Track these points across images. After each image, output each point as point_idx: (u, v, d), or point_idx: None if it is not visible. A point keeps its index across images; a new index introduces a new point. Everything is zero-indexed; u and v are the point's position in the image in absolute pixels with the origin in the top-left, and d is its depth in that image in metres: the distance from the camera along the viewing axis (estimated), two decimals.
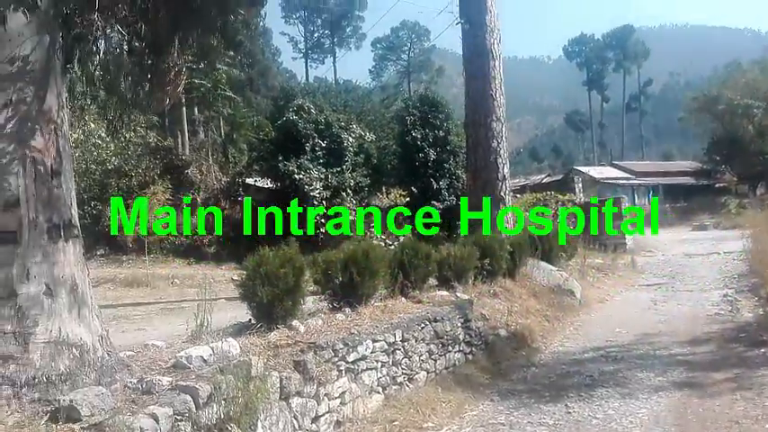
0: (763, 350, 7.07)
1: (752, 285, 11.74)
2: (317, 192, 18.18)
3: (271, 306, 5.11)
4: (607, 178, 48.76)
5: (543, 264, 12.06)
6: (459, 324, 7.49)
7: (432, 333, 6.83)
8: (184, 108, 29.27)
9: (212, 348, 4.29)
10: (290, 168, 18.19)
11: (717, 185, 48.32)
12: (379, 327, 5.91)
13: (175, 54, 4.21)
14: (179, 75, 4.38)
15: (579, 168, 52.34)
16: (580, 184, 26.00)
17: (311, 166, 18.49)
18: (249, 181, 22.44)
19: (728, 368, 6.48)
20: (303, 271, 5.50)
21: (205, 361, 4.15)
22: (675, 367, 6.71)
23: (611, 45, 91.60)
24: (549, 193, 22.21)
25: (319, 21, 72.27)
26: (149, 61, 4.36)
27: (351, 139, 19.79)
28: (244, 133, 26.18)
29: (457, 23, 12.83)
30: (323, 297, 6.41)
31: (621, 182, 49.03)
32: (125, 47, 4.33)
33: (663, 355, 7.35)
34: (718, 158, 48.01)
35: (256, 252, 5.39)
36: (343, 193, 18.75)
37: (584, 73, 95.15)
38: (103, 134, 18.54)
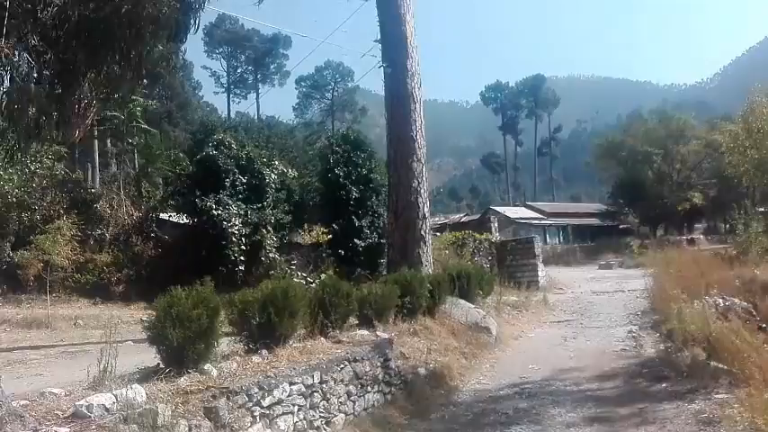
0: (664, 385, 7.47)
1: (654, 322, 12.42)
2: (237, 228, 17.74)
3: (181, 349, 4.87)
4: (521, 218, 50.89)
5: (462, 301, 12.28)
6: (379, 364, 7.44)
7: (351, 374, 6.73)
8: (96, 140, 28.02)
9: (116, 396, 4.01)
10: (209, 204, 17.70)
11: (621, 227, 51.59)
12: (296, 369, 5.77)
13: (86, 85, 4.05)
14: (89, 106, 4.20)
15: (495, 208, 54.40)
16: (496, 224, 26.91)
17: (230, 202, 18.07)
18: (164, 216, 21.59)
19: (634, 403, 6.79)
20: (218, 312, 5.31)
21: (107, 410, 3.87)
22: (585, 403, 6.96)
23: (524, 93, 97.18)
24: (467, 232, 22.87)
25: (243, 57, 71.99)
26: (58, 91, 4.16)
27: (273, 176, 19.58)
28: (159, 167, 25.30)
29: (379, 67, 13.18)
30: (239, 338, 6.20)
31: (534, 222, 51.31)
32: (34, 75, 4.13)
33: (573, 390, 7.62)
34: (621, 201, 51.29)
35: (168, 292, 5.15)
36: (264, 230, 18.41)
37: (499, 118, 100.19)
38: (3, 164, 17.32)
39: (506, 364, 9.83)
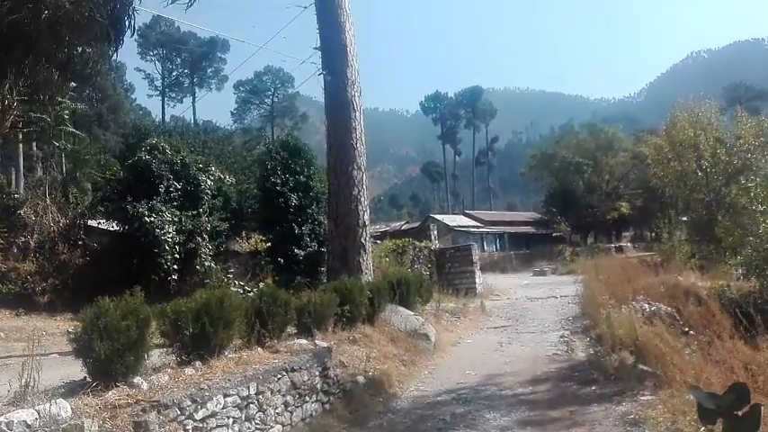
0: (593, 388, 7.76)
1: (584, 327, 12.90)
2: (170, 236, 17.16)
3: (109, 362, 4.68)
4: (460, 226, 51.77)
5: (401, 309, 12.37)
6: (318, 373, 7.39)
7: (289, 384, 6.65)
8: (21, 143, 26.53)
9: (38, 411, 3.81)
10: (141, 210, 17.04)
11: (554, 234, 53.38)
12: (232, 380, 5.64)
13: (6, 86, 3.84)
14: (10, 108, 3.98)
15: (435, 216, 55.12)
16: (435, 232, 27.26)
17: (164, 209, 17.47)
18: (92, 223, 20.64)
19: (565, 406, 7.01)
20: (148, 323, 5.13)
21: (29, 426, 3.67)
22: (519, 407, 7.14)
23: (462, 103, 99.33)
24: (407, 239, 23.05)
25: (179, 59, 70.07)
26: None
27: (209, 182, 19.08)
28: (88, 172, 24.20)
29: (319, 74, 13.15)
30: (171, 350, 6.00)
31: (472, 230, 52.30)
32: None
33: (508, 395, 7.80)
34: (554, 210, 53.15)
35: (96, 302, 4.93)
36: (199, 238, 17.88)
37: (439, 127, 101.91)
38: None
39: (444, 370, 9.95)
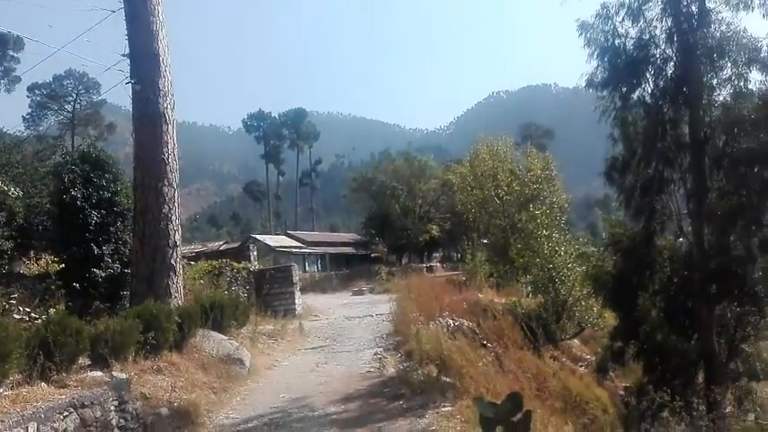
0: (401, 402, 8.12)
1: (396, 343, 13.45)
2: None
3: None
4: (282, 247, 51.37)
5: (214, 333, 11.84)
6: (113, 407, 6.74)
7: (77, 422, 5.97)
8: None
9: None
10: None
11: (372, 255, 55.44)
12: (6, 421, 4.91)
13: None
14: None
15: (256, 236, 54.06)
16: (255, 252, 26.71)
17: None
18: None
19: (373, 422, 7.23)
20: None
21: None
22: (329, 427, 7.19)
23: (286, 124, 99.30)
24: (225, 260, 22.20)
25: None
26: None
27: None
28: None
29: (127, 83, 12.20)
30: None
31: (294, 250, 52.23)
32: None
33: (319, 415, 7.83)
34: (373, 232, 55.28)
35: None
36: None
37: (262, 146, 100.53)
38: None
39: (258, 394, 9.69)
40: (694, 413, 12.45)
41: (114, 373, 7.34)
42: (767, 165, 15.05)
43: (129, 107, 12.66)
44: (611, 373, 19.52)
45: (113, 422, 6.64)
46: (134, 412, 7.14)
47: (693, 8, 15.98)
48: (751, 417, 17.35)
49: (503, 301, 20.82)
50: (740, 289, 15.57)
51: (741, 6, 15.41)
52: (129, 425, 6.96)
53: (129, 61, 12.18)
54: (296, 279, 23.21)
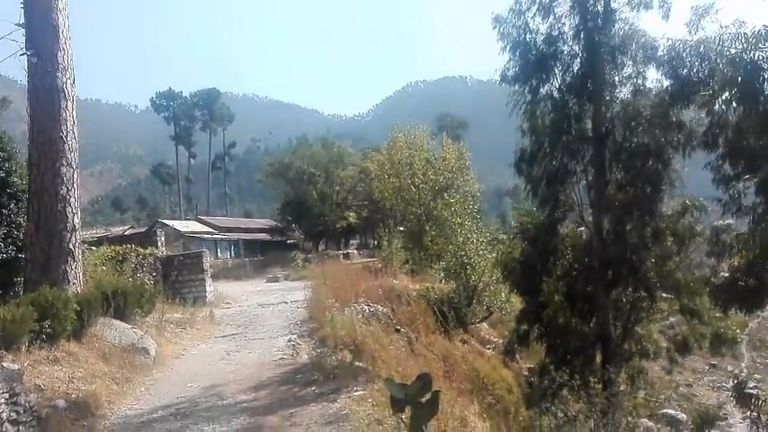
0: (313, 388, 8.08)
1: (311, 330, 13.36)
2: None
3: None
4: (192, 232, 49.67)
5: (117, 322, 11.28)
6: (4, 400, 6.32)
7: None
8: None
9: None
10: None
11: (288, 241, 54.79)
12: None
13: None
14: None
15: (165, 221, 51.95)
16: (163, 238, 25.62)
17: None
18: None
19: (286, 409, 7.16)
20: None
21: None
22: (239, 415, 7.05)
23: (198, 104, 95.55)
24: (129, 246, 21.12)
25: None
26: None
27: None
28: None
29: (22, 54, 11.24)
30: None
31: (206, 236, 50.66)
32: None
33: (229, 404, 7.65)
34: (289, 218, 54.57)
35: None
36: None
37: (171, 127, 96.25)
38: None
39: (165, 384, 9.33)
40: (591, 391, 13.29)
41: (5, 364, 6.84)
42: (660, 159, 16.26)
43: (25, 81, 11.68)
44: (517, 356, 20.50)
45: (4, 415, 6.20)
46: (27, 405, 6.67)
47: (599, 7, 16.86)
48: (641, 394, 18.85)
49: (417, 287, 21.22)
50: (634, 275, 16.78)
51: (642, 6, 16.47)
52: (22, 418, 6.51)
53: (24, 31, 11.21)
54: (207, 266, 22.48)
